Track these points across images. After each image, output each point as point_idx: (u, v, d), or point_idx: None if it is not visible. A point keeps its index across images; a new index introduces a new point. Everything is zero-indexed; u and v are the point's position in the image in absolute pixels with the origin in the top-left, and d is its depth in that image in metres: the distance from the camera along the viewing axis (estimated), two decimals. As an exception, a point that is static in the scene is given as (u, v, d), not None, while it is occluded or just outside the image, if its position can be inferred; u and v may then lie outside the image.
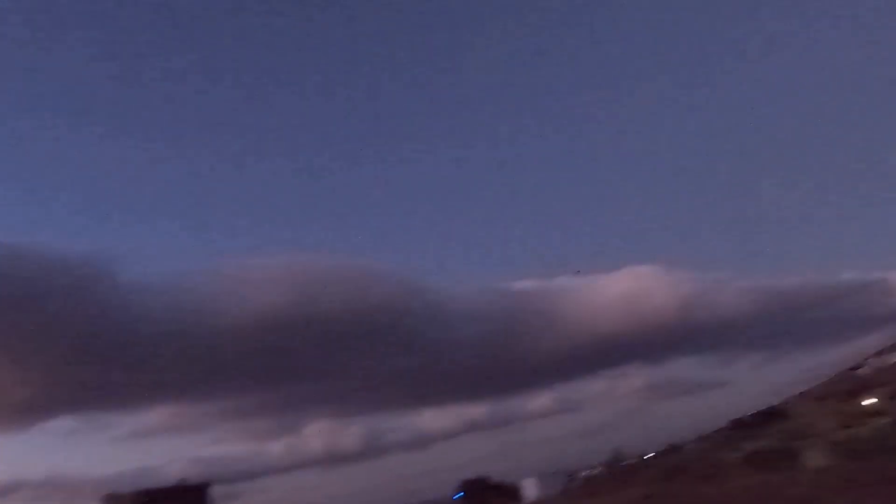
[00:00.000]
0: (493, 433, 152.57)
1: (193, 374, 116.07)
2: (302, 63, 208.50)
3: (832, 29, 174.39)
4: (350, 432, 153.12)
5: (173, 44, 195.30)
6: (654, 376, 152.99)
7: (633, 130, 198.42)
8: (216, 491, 54.69)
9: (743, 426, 61.78)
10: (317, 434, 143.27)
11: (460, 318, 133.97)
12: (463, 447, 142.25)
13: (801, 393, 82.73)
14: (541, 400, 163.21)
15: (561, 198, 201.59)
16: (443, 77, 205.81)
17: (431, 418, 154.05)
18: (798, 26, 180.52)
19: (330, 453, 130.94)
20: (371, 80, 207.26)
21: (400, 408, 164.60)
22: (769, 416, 60.18)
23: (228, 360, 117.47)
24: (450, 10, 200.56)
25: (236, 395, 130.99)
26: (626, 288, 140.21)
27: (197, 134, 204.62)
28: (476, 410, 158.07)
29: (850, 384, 62.67)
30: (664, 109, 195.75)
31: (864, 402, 43.52)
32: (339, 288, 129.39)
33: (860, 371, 78.00)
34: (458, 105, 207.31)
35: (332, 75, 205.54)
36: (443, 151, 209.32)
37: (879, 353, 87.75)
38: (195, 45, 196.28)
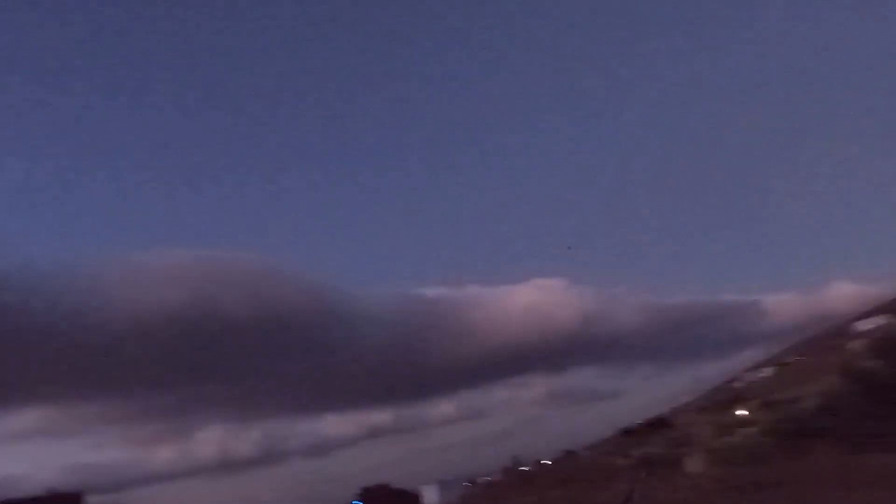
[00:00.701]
0: (395, 439, 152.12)
1: (70, 373, 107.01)
2: (216, 65, 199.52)
3: (715, 63, 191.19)
4: (246, 437, 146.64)
5: (50, 40, 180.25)
6: (554, 385, 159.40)
7: (544, 151, 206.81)
8: (92, 500, 50.36)
9: (632, 434, 65.48)
10: (210, 439, 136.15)
11: (368, 323, 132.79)
12: (364, 453, 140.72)
13: (684, 403, 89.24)
14: (444, 407, 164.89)
15: (473, 209, 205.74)
16: (358, 86, 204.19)
17: (333, 424, 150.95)
18: (683, 63, 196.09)
19: (224, 459, 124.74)
20: (285, 80, 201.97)
21: (301, 413, 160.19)
22: (655, 425, 64.19)
23: (112, 359, 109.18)
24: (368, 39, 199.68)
25: (120, 398, 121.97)
26: (531, 299, 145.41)
27: (84, 110, 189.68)
28: (379, 416, 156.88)
29: (726, 396, 68.31)
30: (571, 133, 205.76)
31: (737, 413, 47.25)
32: (240, 287, 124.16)
33: (735, 384, 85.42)
34: (373, 115, 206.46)
35: (248, 74, 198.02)
36: (359, 156, 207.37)
37: (752, 368, 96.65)
38: (74, 44, 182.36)
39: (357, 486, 73.00)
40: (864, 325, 69.49)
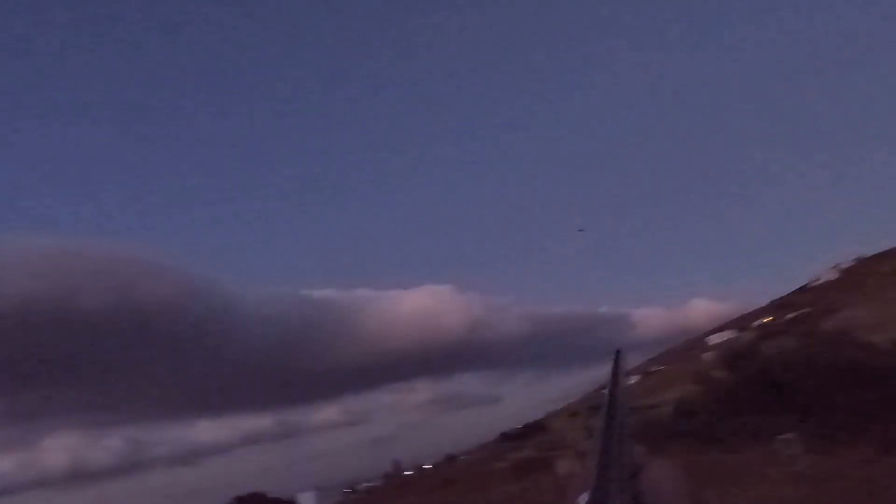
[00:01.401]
0: (273, 446, 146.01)
1: None
2: (93, 49, 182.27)
3: (606, 81, 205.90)
4: (104, 445, 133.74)
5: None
6: (438, 390, 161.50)
7: (439, 159, 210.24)
8: None
9: (510, 438, 67.88)
10: (60, 447, 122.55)
11: (249, 323, 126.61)
12: (239, 461, 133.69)
13: (559, 408, 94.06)
14: (327, 412, 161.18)
15: (365, 212, 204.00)
16: (250, 78, 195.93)
17: (205, 430, 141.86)
18: (567, 88, 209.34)
19: (76, 469, 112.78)
20: (172, 67, 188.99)
21: (169, 418, 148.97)
22: (532, 429, 67.09)
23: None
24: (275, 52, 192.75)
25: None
26: (420, 305, 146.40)
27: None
28: (256, 422, 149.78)
29: (595, 402, 72.81)
30: (464, 142, 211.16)
31: (606, 417, 50.46)
32: (103, 279, 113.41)
33: (604, 391, 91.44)
34: (264, 108, 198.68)
35: (131, 58, 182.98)
36: (249, 147, 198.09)
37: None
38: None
39: (228, 496, 69.11)
40: (716, 338, 77.23)
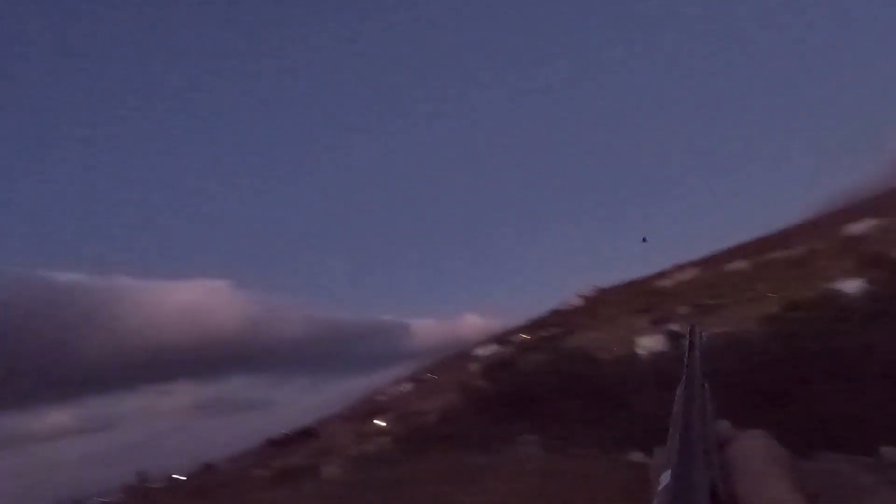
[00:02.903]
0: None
1: None
2: None
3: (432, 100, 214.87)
4: None
5: None
6: (203, 394, 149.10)
7: (237, 149, 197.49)
8: None
9: (277, 444, 65.56)
10: None
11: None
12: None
13: (331, 414, 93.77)
14: (58, 416, 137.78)
15: (138, 189, 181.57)
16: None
17: None
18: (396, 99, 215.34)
19: None
20: None
21: None
22: (301, 435, 65.77)
23: None
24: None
25: None
26: (190, 299, 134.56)
27: None
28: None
29: (369, 407, 74.52)
30: (257, 138, 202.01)
31: (377, 423, 52.02)
32: None
33: (379, 397, 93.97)
34: (35, 82, 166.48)
35: None
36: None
37: (394, 383, 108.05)
38: None
39: None
40: (482, 351, 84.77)
